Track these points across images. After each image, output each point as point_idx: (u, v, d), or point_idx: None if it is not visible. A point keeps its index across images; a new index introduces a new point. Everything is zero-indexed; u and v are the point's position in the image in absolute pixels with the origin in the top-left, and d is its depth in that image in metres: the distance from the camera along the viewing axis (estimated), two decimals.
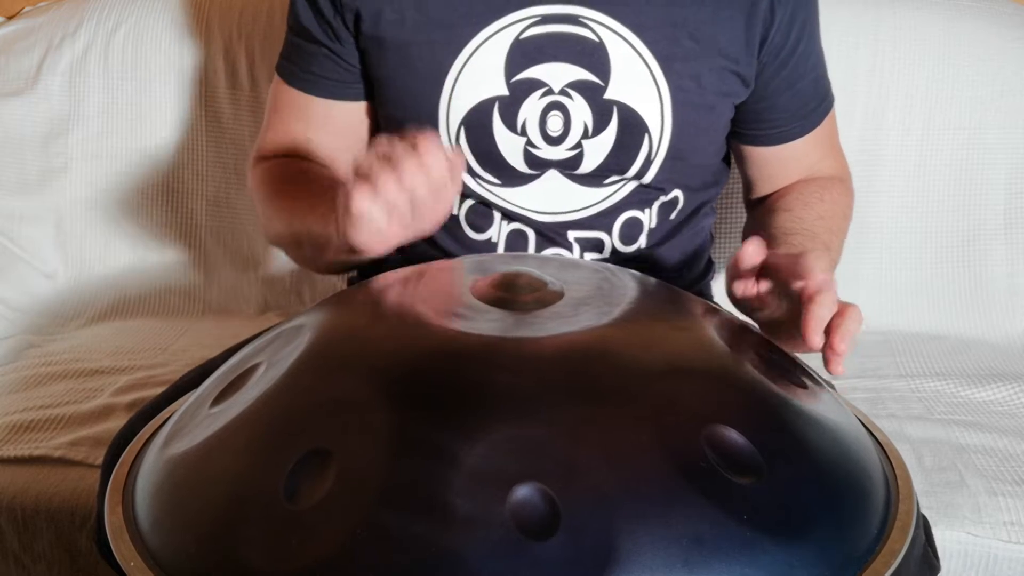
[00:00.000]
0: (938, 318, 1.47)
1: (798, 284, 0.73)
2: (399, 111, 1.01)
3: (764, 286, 0.78)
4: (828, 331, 0.70)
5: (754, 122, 1.06)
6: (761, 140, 1.08)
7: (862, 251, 1.44)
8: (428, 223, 0.79)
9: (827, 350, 0.70)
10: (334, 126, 1.05)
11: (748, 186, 1.14)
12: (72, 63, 1.54)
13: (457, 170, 0.77)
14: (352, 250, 0.80)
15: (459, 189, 0.78)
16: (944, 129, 1.44)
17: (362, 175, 0.75)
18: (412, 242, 1.03)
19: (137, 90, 1.54)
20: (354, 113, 1.05)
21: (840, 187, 1.11)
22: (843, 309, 0.71)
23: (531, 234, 1.02)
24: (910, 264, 1.47)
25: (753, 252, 0.77)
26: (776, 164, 1.09)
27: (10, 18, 1.65)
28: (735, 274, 0.79)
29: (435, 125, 0.98)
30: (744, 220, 1.18)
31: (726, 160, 1.11)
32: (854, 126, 1.42)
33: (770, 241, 0.98)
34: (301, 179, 1.01)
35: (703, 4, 0.96)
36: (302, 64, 1.04)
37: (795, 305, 0.75)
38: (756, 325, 0.82)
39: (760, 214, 1.09)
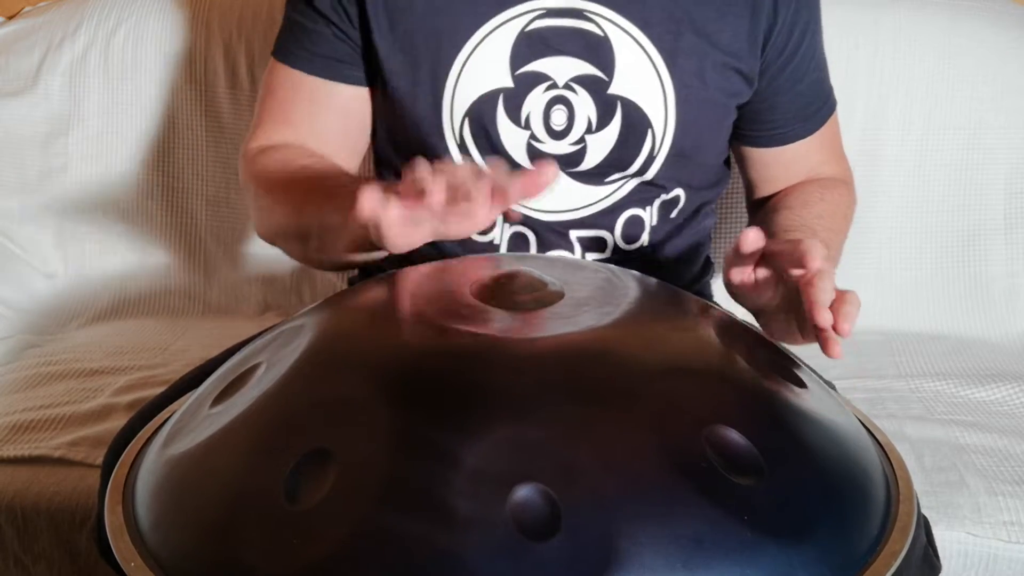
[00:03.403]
0: (938, 318, 1.47)
1: (796, 271, 0.73)
2: (402, 100, 0.99)
3: (762, 273, 0.78)
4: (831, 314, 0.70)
5: (756, 123, 1.06)
6: (762, 141, 1.07)
7: (862, 251, 1.44)
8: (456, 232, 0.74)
9: (829, 333, 0.69)
10: (334, 109, 1.03)
11: (750, 188, 1.14)
12: (72, 63, 1.54)
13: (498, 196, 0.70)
14: (370, 245, 0.77)
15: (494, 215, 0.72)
16: (944, 129, 1.44)
17: (404, 188, 0.70)
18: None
19: (137, 90, 1.54)
20: (354, 97, 1.03)
21: (842, 189, 1.10)
22: (841, 294, 0.71)
23: (532, 237, 1.02)
24: (910, 264, 1.47)
25: (754, 238, 0.76)
26: (777, 166, 1.09)
27: (10, 18, 1.64)
28: (733, 260, 0.79)
29: (439, 115, 0.97)
30: (745, 222, 1.18)
31: (727, 163, 1.11)
32: (854, 126, 1.42)
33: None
34: (309, 170, 0.98)
35: (708, 1, 0.96)
36: (304, 43, 1.01)
37: (792, 293, 0.74)
38: (756, 325, 0.82)
39: (761, 215, 1.09)
